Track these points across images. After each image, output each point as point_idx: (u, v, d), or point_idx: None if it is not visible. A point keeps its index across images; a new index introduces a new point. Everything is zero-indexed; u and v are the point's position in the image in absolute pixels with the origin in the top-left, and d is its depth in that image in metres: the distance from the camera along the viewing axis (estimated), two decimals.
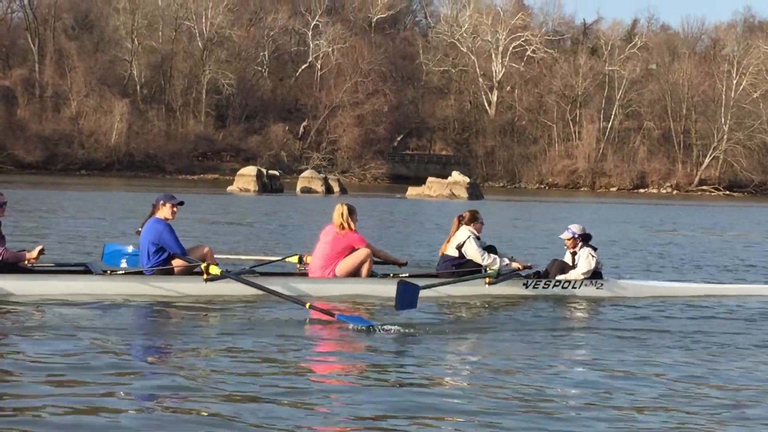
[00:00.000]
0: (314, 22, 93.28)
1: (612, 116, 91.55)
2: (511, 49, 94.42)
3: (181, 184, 63.27)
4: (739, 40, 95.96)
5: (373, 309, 10.02)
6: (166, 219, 10.60)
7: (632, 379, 7.00)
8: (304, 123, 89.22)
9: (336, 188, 54.16)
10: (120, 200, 36.96)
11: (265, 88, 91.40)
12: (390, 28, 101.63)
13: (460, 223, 11.65)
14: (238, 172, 54.60)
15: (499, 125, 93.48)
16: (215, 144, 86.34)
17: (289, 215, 30.68)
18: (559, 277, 11.58)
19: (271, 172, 55.88)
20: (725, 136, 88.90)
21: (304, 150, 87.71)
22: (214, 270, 10.13)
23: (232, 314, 9.53)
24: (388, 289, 10.22)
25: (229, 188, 52.48)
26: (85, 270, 10.74)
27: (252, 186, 51.31)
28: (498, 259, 11.36)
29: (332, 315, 8.93)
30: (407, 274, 11.49)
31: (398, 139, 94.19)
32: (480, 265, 11.34)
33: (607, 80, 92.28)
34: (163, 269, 10.47)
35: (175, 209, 10.69)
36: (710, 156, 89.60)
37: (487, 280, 11.10)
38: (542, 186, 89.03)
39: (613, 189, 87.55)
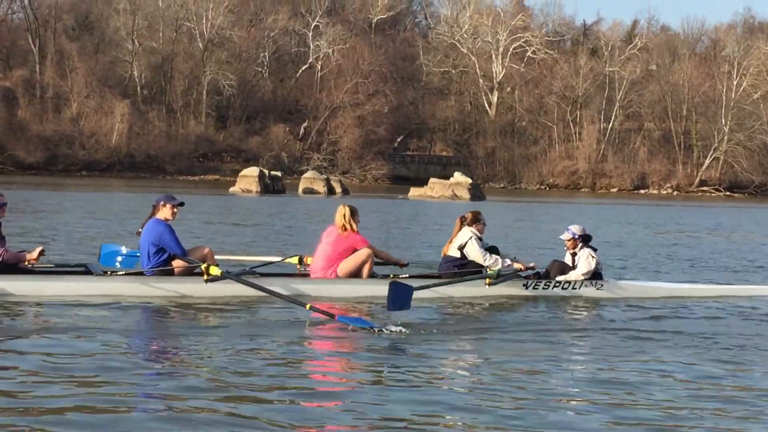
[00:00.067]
0: (314, 23, 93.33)
1: (612, 117, 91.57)
2: (511, 50, 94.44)
3: (181, 185, 63.28)
4: (739, 40, 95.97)
5: (373, 310, 10.02)
6: (167, 220, 10.61)
7: (632, 380, 7.00)
8: (305, 124, 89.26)
9: (338, 189, 54.21)
10: (120, 201, 36.97)
11: (265, 89, 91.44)
12: (390, 29, 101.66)
13: (462, 224, 11.66)
14: (240, 173, 54.65)
15: (500, 126, 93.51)
16: (216, 145, 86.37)
17: (294, 216, 30.70)
18: (559, 278, 11.59)
19: (273, 173, 55.94)
20: (726, 137, 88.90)
21: (305, 151, 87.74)
22: (215, 271, 10.13)
23: (233, 315, 9.53)
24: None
25: (231, 189, 52.54)
26: (85, 271, 10.74)
27: (254, 187, 51.36)
28: (500, 260, 11.37)
29: (333, 316, 8.93)
30: (407, 275, 11.51)
31: (399, 139, 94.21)
32: (482, 266, 11.34)
33: (607, 81, 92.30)
34: (164, 270, 10.48)
35: (175, 210, 10.70)
36: (711, 157, 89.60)
37: (487, 281, 11.10)
38: (543, 187, 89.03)
39: (614, 190, 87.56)
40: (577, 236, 11.80)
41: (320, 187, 53.70)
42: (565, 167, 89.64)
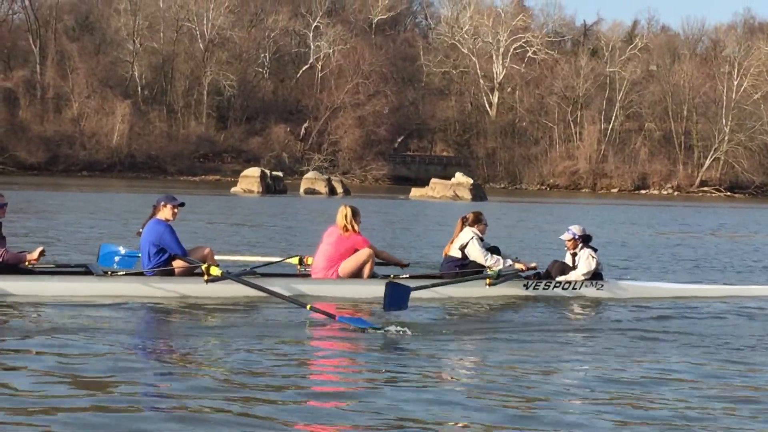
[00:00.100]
0: (315, 24, 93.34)
1: (613, 117, 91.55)
2: (511, 50, 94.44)
3: (182, 185, 63.32)
4: (739, 41, 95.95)
5: (374, 310, 10.02)
6: (167, 220, 10.62)
7: (632, 380, 7.00)
8: (305, 124, 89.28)
9: (339, 189, 54.27)
10: (121, 201, 36.98)
11: (266, 89, 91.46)
12: (390, 30, 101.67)
13: (463, 225, 11.67)
14: (242, 174, 54.72)
15: (500, 126, 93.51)
16: (216, 145, 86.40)
17: (295, 216, 30.73)
18: (559, 278, 11.59)
19: (274, 173, 56.02)
20: (726, 138, 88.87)
21: (306, 151, 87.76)
22: (215, 271, 10.14)
23: (233, 315, 9.54)
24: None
25: (233, 189, 52.62)
26: (86, 271, 10.75)
27: (256, 187, 51.41)
28: (501, 260, 11.37)
29: (333, 316, 8.93)
30: (408, 275, 11.52)
31: (399, 140, 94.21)
32: (483, 267, 11.34)
33: (608, 81, 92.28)
34: (164, 270, 10.49)
35: (175, 210, 10.72)
36: (711, 157, 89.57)
37: (488, 281, 11.11)
38: (543, 187, 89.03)
39: (614, 190, 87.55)
40: (577, 236, 11.80)
41: (322, 187, 53.76)
42: (566, 167, 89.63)
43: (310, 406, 6.03)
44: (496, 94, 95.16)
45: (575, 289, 11.50)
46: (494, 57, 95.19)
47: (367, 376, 6.96)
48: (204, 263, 10.30)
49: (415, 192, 55.38)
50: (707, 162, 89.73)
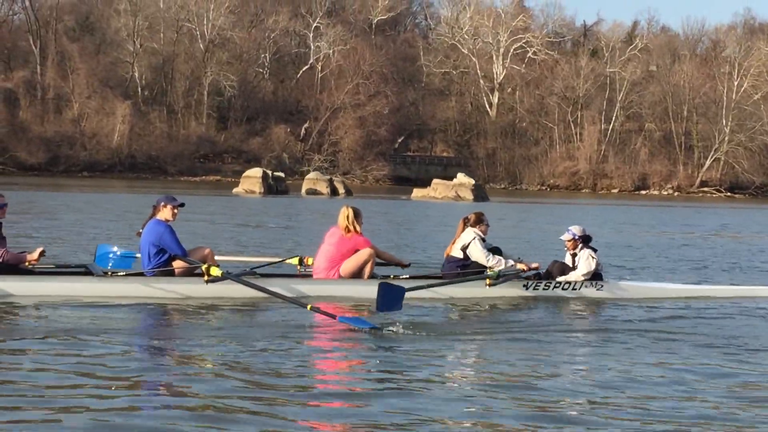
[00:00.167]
0: (315, 24, 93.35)
1: (613, 118, 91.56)
2: (512, 50, 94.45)
3: (183, 185, 63.34)
4: (739, 41, 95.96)
5: (374, 310, 10.01)
6: (167, 220, 10.63)
7: (632, 381, 7.01)
8: (306, 125, 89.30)
9: (341, 190, 54.33)
10: (122, 202, 36.99)
11: (266, 89, 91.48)
12: (390, 30, 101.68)
13: (465, 225, 11.68)
14: (244, 174, 54.77)
15: (500, 127, 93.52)
16: (217, 146, 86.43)
17: (297, 217, 30.75)
18: (559, 279, 11.60)
19: (276, 173, 56.07)
20: (726, 138, 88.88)
21: (306, 152, 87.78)
22: (215, 271, 10.15)
23: (233, 316, 9.55)
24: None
25: (234, 190, 52.69)
26: (86, 271, 10.76)
27: (257, 188, 51.47)
28: (503, 261, 11.38)
29: (333, 317, 8.93)
30: (408, 276, 11.52)
31: (399, 140, 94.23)
32: (485, 267, 11.35)
33: (608, 82, 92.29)
34: (164, 270, 10.49)
35: (175, 211, 10.73)
36: (711, 158, 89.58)
37: (488, 281, 11.11)
38: (543, 188, 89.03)
39: (615, 191, 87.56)
40: (577, 237, 11.80)
41: (323, 187, 53.82)
42: (566, 168, 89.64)
43: (310, 406, 6.03)
44: (497, 94, 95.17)
45: (575, 289, 11.51)
46: (494, 57, 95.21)
47: (367, 376, 6.97)
48: (204, 263, 10.30)
49: (417, 192, 55.43)
50: (707, 162, 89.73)
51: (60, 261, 12.11)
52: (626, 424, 5.85)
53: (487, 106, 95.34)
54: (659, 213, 45.95)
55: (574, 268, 11.72)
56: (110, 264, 11.21)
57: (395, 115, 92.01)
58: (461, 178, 55.36)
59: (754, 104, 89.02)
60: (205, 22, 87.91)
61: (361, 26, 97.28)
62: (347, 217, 11.30)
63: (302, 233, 22.40)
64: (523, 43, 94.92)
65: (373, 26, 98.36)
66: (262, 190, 51.15)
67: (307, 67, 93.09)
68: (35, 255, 10.14)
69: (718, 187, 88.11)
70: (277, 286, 10.21)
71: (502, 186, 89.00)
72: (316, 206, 39.05)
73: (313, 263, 11.57)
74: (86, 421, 5.47)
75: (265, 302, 10.10)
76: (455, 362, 7.70)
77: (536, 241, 22.42)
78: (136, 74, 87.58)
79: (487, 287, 11.09)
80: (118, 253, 11.45)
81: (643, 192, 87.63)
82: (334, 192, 53.52)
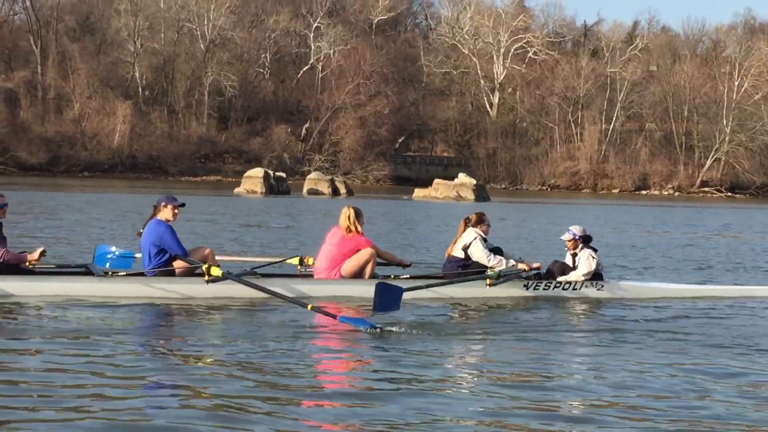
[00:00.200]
0: (315, 24, 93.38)
1: (613, 118, 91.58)
2: (512, 50, 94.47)
3: (184, 185, 63.37)
4: (740, 41, 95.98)
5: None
6: (168, 220, 10.64)
7: (633, 381, 7.01)
8: (306, 125, 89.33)
9: (342, 190, 54.37)
10: (122, 202, 37.00)
11: (267, 89, 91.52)
12: (391, 30, 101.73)
13: (466, 225, 11.68)
14: (245, 174, 54.83)
15: (501, 127, 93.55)
16: (217, 146, 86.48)
17: (301, 217, 30.76)
18: (559, 279, 11.60)
19: (278, 174, 56.14)
20: (727, 138, 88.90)
21: (307, 152, 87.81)
22: (216, 271, 10.15)
23: (234, 316, 9.55)
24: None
25: (236, 190, 52.73)
26: (87, 271, 10.76)
27: (259, 188, 51.53)
28: (504, 261, 11.38)
29: (334, 317, 8.93)
30: (408, 276, 11.53)
31: (400, 140, 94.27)
32: (486, 267, 11.35)
33: (608, 82, 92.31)
34: (165, 270, 10.50)
35: (176, 211, 10.74)
36: (712, 158, 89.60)
37: (488, 281, 11.11)
38: (544, 188, 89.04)
39: (615, 191, 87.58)
40: (577, 237, 11.80)
41: (325, 187, 53.87)
42: (567, 168, 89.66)
43: (310, 406, 6.03)
44: (497, 94, 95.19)
45: (575, 289, 11.51)
46: (495, 57, 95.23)
47: (367, 376, 6.97)
48: (204, 263, 10.31)
49: (419, 192, 55.50)
50: (708, 162, 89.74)
51: (61, 261, 12.12)
52: (627, 423, 5.85)
53: (487, 106, 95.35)
54: (660, 213, 45.95)
55: (574, 268, 11.72)
56: (108, 264, 11.21)
57: (396, 115, 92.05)
58: (463, 178, 55.40)
59: (755, 104, 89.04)
60: (205, 22, 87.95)
61: (362, 26, 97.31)
62: (348, 217, 11.31)
63: (305, 233, 22.41)
64: (524, 43, 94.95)
65: (374, 26, 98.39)
66: (264, 190, 51.20)
67: (307, 67, 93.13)
68: (36, 255, 10.15)
69: (718, 187, 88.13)
70: (277, 286, 10.22)
71: (503, 186, 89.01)
72: (318, 206, 39.07)
73: (313, 263, 11.59)
74: (87, 421, 5.47)
75: (265, 302, 10.10)
76: (456, 362, 7.70)
77: (537, 241, 22.43)
78: (137, 74, 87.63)
79: (488, 287, 11.10)
80: (117, 253, 11.47)
81: (644, 192, 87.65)
82: (335, 192, 53.58)
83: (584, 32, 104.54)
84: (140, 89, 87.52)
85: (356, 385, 6.67)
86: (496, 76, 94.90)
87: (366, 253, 11.13)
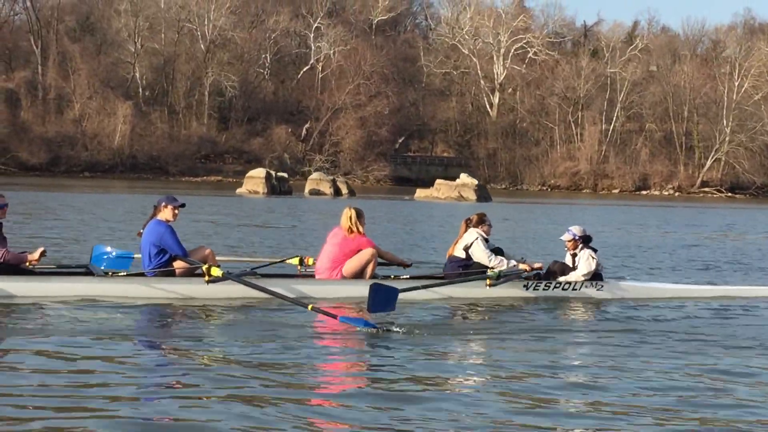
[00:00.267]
0: (315, 24, 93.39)
1: (614, 118, 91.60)
2: (512, 51, 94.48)
3: (184, 186, 63.39)
4: (740, 42, 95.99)
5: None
6: (168, 221, 10.65)
7: (633, 381, 7.01)
8: (307, 125, 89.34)
9: (344, 190, 54.43)
10: (123, 202, 37.01)
11: (267, 90, 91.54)
12: (391, 30, 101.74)
13: (467, 226, 11.69)
14: (247, 174, 54.88)
15: (501, 127, 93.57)
16: (218, 146, 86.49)
17: (304, 217, 30.77)
18: (559, 279, 11.60)
19: (279, 174, 56.18)
20: (727, 138, 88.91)
21: (307, 152, 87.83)
22: (216, 272, 10.16)
23: (234, 316, 9.55)
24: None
25: (238, 190, 52.78)
26: (87, 272, 10.77)
27: (261, 188, 51.57)
28: (505, 261, 11.38)
29: (334, 317, 8.93)
30: (408, 276, 11.54)
31: (400, 141, 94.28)
32: (487, 267, 11.35)
33: (608, 82, 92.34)
34: (165, 271, 10.50)
35: (176, 211, 10.74)
36: (712, 158, 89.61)
37: (488, 281, 11.12)
38: (544, 188, 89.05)
39: (615, 191, 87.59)
40: (577, 237, 11.80)
41: (326, 188, 53.93)
42: (567, 168, 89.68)
43: (310, 406, 6.04)
44: (497, 94, 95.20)
45: (575, 289, 11.51)
46: (495, 58, 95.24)
47: (368, 376, 6.98)
48: (205, 264, 10.31)
49: (420, 193, 55.59)
50: (708, 163, 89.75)
51: (61, 261, 12.13)
52: (627, 423, 5.86)
53: (487, 106, 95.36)
54: (660, 213, 45.95)
55: (574, 268, 11.72)
56: (104, 264, 11.20)
57: (396, 116, 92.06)
58: (464, 178, 55.45)
59: (755, 104, 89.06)
60: (206, 23, 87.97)
61: (362, 27, 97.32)
62: (350, 217, 11.32)
63: (310, 234, 22.42)
64: (524, 43, 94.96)
65: (374, 26, 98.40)
66: (266, 191, 51.26)
67: (307, 67, 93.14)
68: (36, 255, 10.15)
69: (718, 188, 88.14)
70: (277, 286, 10.22)
71: (503, 186, 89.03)
72: (320, 206, 39.11)
73: (313, 263, 11.60)
74: (88, 420, 5.48)
75: (265, 303, 10.11)
76: (456, 362, 7.70)
77: (538, 241, 22.43)
78: (137, 74, 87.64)
79: (488, 287, 11.10)
80: (114, 254, 11.46)
81: (644, 192, 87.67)
82: (337, 192, 53.64)
83: (584, 32, 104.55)
84: (141, 89, 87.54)
85: (356, 385, 6.67)
86: (496, 76, 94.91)
87: (367, 253, 11.14)
